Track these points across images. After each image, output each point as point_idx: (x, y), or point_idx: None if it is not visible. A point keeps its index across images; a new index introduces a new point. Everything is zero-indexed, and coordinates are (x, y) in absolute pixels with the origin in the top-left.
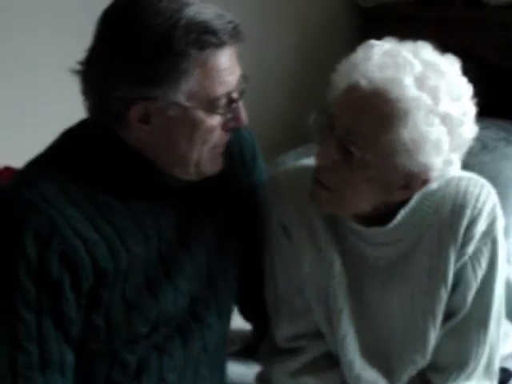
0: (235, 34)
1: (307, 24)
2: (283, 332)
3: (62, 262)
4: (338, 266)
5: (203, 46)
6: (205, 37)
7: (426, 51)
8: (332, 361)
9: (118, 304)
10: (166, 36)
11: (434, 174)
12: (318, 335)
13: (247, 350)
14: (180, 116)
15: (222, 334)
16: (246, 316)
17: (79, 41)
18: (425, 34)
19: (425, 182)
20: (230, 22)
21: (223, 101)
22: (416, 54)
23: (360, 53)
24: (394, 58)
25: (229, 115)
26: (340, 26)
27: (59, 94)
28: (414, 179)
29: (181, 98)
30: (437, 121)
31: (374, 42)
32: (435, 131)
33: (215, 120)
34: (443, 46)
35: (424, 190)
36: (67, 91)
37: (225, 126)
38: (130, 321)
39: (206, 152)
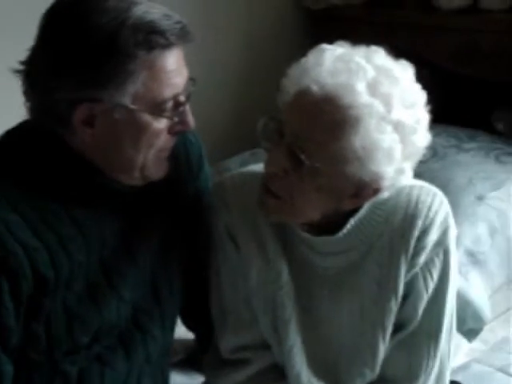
0: (183, 35)
1: (253, 25)
2: (228, 343)
3: (1, 269)
4: (285, 275)
5: (151, 46)
6: (152, 37)
7: (379, 56)
8: (278, 373)
9: (59, 313)
10: (112, 36)
11: (386, 183)
12: (264, 347)
13: (190, 359)
14: (126, 119)
15: (165, 345)
16: (189, 325)
17: (21, 40)
18: (376, 38)
19: (376, 190)
20: (177, 22)
21: (170, 104)
22: (369, 60)
23: (311, 57)
24: (346, 63)
25: (175, 119)
26: (287, 27)
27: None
28: (365, 188)
29: (127, 100)
30: (389, 128)
31: (325, 46)
32: (387, 139)
33: (162, 123)
34: (395, 51)
35: (375, 198)
36: (9, 92)
37: (171, 130)
38: (72, 330)
39: (151, 156)
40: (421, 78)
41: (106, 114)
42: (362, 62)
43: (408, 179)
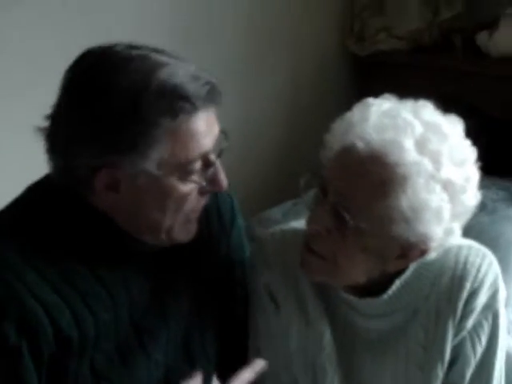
0: (211, 99)
1: (299, 72)
2: None
3: (20, 329)
4: (327, 337)
5: (175, 113)
6: (177, 103)
7: (427, 111)
8: None
9: (86, 375)
10: (134, 102)
11: (434, 244)
12: None
13: None
14: (150, 184)
15: None
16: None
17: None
18: (422, 84)
19: (423, 251)
20: (205, 83)
21: (198, 165)
22: (416, 115)
23: (357, 112)
24: (393, 118)
25: (203, 182)
26: (333, 74)
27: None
28: (412, 249)
29: (150, 166)
30: (438, 188)
31: (371, 100)
32: (436, 199)
33: (189, 187)
34: (443, 98)
35: (421, 259)
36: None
37: (202, 191)
38: None
39: (180, 218)
40: (469, 126)
41: (130, 180)
42: (410, 117)
43: (456, 239)
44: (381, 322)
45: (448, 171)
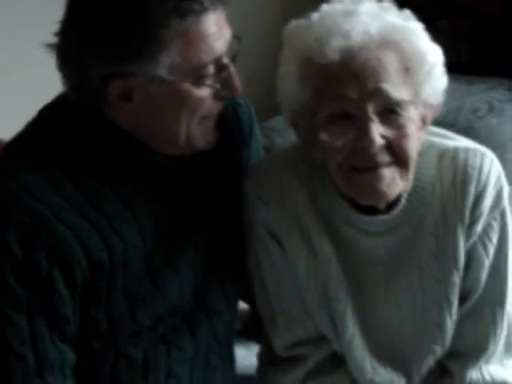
0: None
1: None
2: (281, 341)
3: (52, 257)
4: (334, 264)
5: (183, 14)
6: (184, 4)
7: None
8: (337, 361)
9: (119, 297)
10: (140, 4)
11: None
12: (319, 340)
13: (245, 330)
14: (164, 91)
15: (230, 320)
16: (244, 296)
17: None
18: None
19: (427, 118)
20: None
21: (211, 69)
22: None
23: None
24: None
25: (218, 85)
26: None
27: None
28: (426, 115)
29: (163, 71)
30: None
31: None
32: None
33: (204, 91)
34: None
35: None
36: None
37: (217, 96)
38: (134, 314)
39: (195, 124)
40: (460, 27)
41: (142, 88)
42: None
43: (451, 140)
44: (389, 239)
45: None
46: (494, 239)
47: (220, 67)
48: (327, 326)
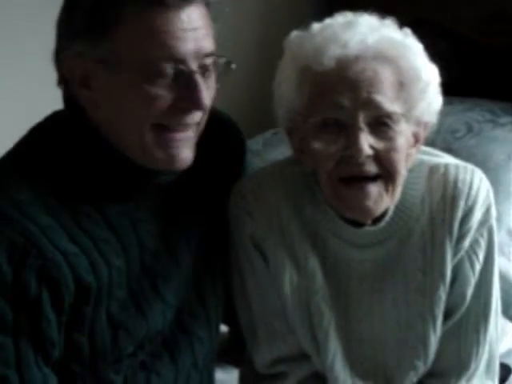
0: None
1: None
2: (262, 357)
3: (41, 278)
4: (319, 278)
5: (140, 3)
6: None
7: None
8: (319, 382)
9: (103, 323)
10: None
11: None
12: (301, 357)
13: (224, 354)
14: (115, 79)
15: (212, 347)
16: (225, 319)
17: None
18: (394, 8)
19: (420, 137)
20: None
21: (168, 70)
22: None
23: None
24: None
25: (174, 89)
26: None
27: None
28: (419, 132)
29: (113, 56)
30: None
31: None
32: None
33: (155, 89)
34: (418, 22)
35: (405, 180)
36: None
37: (177, 105)
38: (117, 340)
39: (148, 131)
40: (439, 48)
41: (97, 73)
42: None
43: (440, 157)
44: (376, 251)
45: None
46: (481, 256)
47: (180, 72)
48: (309, 342)
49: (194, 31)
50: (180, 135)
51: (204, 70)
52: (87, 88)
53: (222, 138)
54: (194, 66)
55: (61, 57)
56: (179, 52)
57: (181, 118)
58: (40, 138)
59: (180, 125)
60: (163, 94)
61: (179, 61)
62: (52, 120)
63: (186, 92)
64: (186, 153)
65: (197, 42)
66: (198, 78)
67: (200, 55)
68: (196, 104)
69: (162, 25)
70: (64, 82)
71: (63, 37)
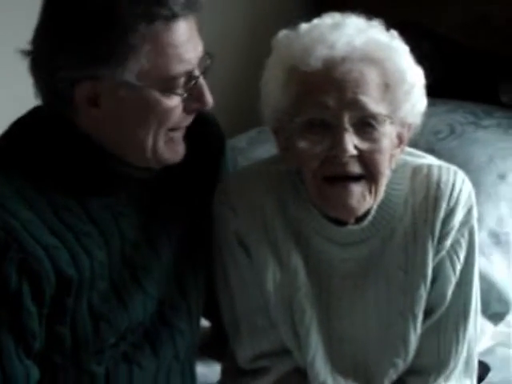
0: (190, 5)
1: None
2: (244, 352)
3: (21, 272)
4: (302, 275)
5: (152, 19)
6: (153, 8)
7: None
8: (301, 377)
9: (84, 314)
10: (108, 7)
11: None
12: (283, 353)
13: (206, 347)
14: (132, 96)
15: (193, 340)
16: (205, 313)
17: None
18: (380, 9)
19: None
20: None
21: (182, 80)
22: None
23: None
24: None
25: (185, 94)
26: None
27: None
28: (403, 133)
29: (130, 76)
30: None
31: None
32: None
33: (173, 101)
34: (402, 24)
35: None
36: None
37: (187, 108)
38: (98, 331)
39: (162, 136)
40: (427, 50)
41: (110, 93)
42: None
43: (423, 158)
44: (358, 250)
45: None
46: (461, 256)
47: (190, 78)
48: (291, 338)
49: (195, 38)
50: (182, 132)
51: (205, 71)
52: (95, 106)
53: (201, 131)
54: (199, 70)
55: (59, 75)
56: (191, 62)
57: (190, 118)
58: (21, 133)
59: (186, 124)
60: (178, 102)
61: (190, 70)
62: (33, 115)
63: (195, 95)
64: (183, 147)
65: (198, 48)
66: (202, 81)
67: (201, 59)
68: (205, 104)
69: (175, 37)
70: (50, 95)
71: (64, 57)
